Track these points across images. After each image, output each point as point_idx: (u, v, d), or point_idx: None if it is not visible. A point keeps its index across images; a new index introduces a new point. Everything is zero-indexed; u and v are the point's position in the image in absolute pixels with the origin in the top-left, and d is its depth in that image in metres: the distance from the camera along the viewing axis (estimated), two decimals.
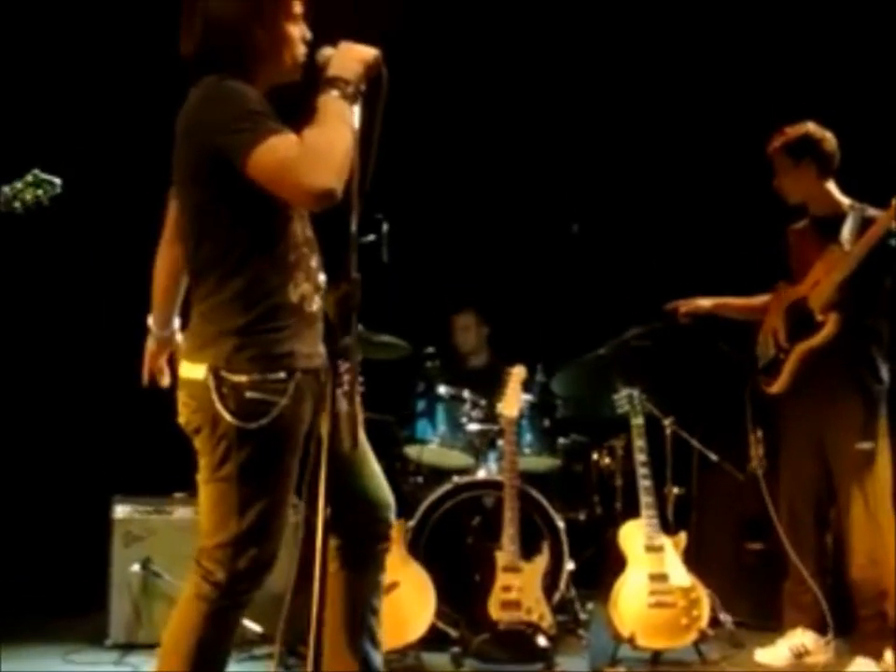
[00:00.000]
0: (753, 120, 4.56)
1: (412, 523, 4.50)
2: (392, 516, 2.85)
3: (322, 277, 2.64)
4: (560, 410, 5.14)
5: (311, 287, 2.60)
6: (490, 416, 4.80)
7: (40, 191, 3.44)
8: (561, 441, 5.14)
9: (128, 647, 4.39)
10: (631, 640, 4.14)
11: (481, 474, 4.78)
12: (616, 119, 6.04)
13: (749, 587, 4.90)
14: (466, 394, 4.99)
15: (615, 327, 4.93)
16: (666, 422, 4.87)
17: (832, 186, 4.21)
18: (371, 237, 4.75)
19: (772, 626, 4.44)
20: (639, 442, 4.42)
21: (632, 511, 4.43)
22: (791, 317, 4.23)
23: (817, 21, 5.58)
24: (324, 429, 2.36)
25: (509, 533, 4.16)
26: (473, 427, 4.93)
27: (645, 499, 4.31)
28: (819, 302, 4.07)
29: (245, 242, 2.52)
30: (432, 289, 6.08)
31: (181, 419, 2.66)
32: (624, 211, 6.12)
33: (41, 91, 5.53)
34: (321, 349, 2.61)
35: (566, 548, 4.59)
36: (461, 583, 4.39)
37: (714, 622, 4.45)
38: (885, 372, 4.11)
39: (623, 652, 4.21)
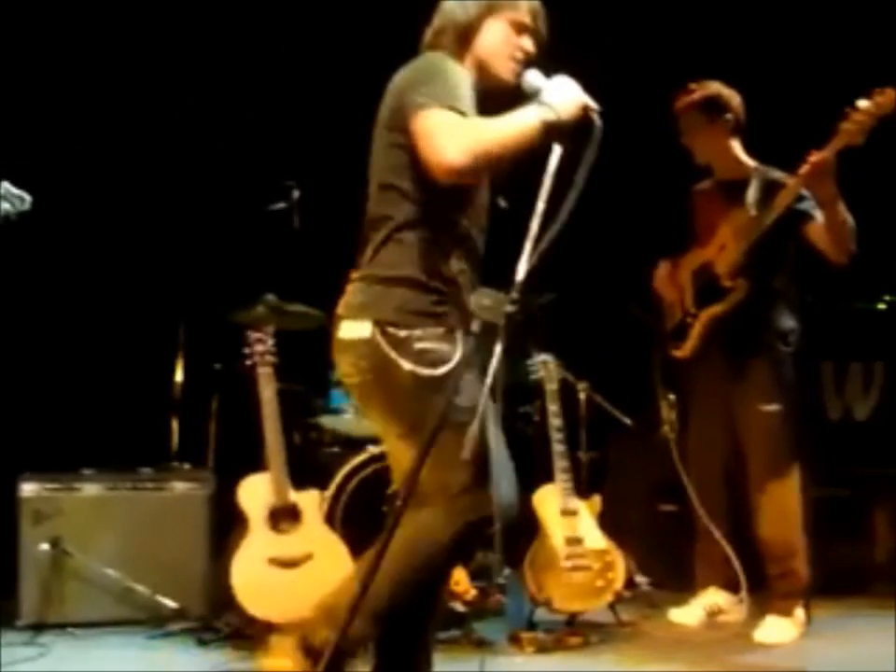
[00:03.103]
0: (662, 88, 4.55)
1: (328, 493, 4.47)
2: None
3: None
4: None
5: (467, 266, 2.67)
6: None
7: (7, 205, 3.34)
8: None
9: (39, 627, 4.29)
10: (547, 603, 4.17)
11: None
12: None
13: (664, 549, 4.96)
14: None
15: (527, 292, 4.92)
16: (580, 387, 4.88)
17: (738, 147, 4.24)
18: (282, 204, 4.70)
19: (687, 587, 4.50)
20: (553, 407, 4.42)
21: (547, 476, 4.45)
22: (698, 281, 4.26)
23: None
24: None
25: None
26: None
27: (559, 464, 4.33)
28: (725, 268, 4.11)
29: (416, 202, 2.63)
30: (346, 257, 6.02)
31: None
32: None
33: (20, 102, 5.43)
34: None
35: None
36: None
37: (630, 583, 4.51)
38: (792, 336, 4.17)
39: (540, 616, 4.24)
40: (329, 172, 5.53)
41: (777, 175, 4.13)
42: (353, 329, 2.65)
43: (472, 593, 4.18)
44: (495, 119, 2.55)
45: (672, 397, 4.66)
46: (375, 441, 4.80)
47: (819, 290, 4.79)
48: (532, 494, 4.38)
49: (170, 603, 4.30)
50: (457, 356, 2.58)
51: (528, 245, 2.44)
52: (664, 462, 4.67)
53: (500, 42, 2.74)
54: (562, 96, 2.59)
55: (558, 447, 4.35)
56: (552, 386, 4.50)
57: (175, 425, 5.13)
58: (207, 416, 5.03)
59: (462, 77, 2.62)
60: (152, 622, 4.31)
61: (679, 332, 4.29)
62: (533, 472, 4.99)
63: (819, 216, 4.01)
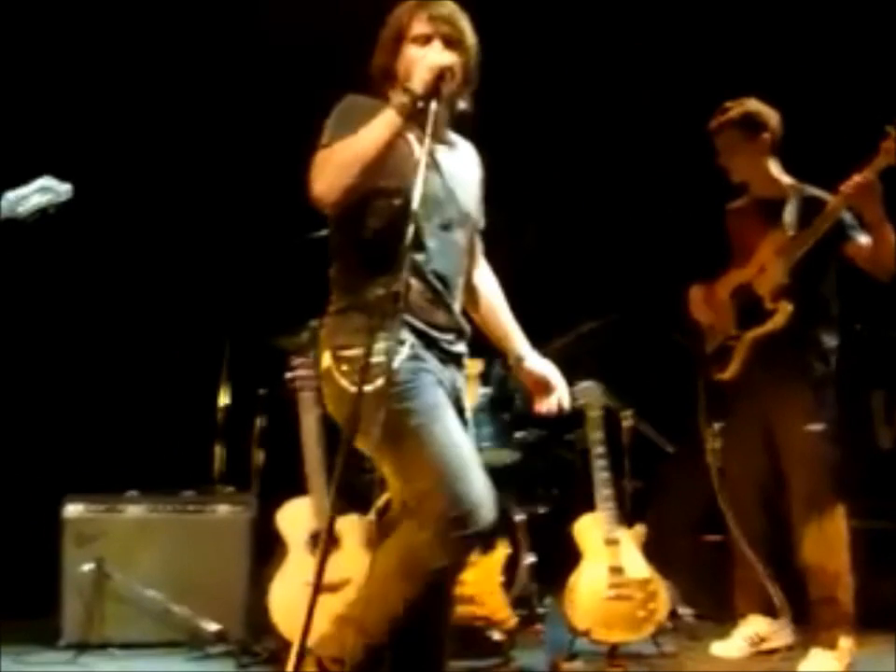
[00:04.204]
0: (696, 107, 4.51)
1: (368, 517, 4.45)
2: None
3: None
4: (518, 403, 5.10)
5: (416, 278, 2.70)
6: None
7: (45, 199, 3.38)
8: (519, 434, 5.10)
9: (81, 647, 4.33)
10: (588, 634, 4.12)
11: None
12: (563, 116, 6.01)
13: (708, 580, 4.88)
14: None
15: (573, 320, 4.91)
16: (624, 414, 4.84)
17: (775, 165, 4.19)
18: (325, 232, 4.71)
19: (732, 619, 4.42)
20: (596, 435, 4.38)
21: (591, 505, 4.40)
22: (738, 303, 4.20)
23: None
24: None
25: None
26: None
27: (602, 492, 4.29)
28: (767, 289, 4.06)
29: (343, 234, 2.77)
30: None
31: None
32: (578, 205, 6.10)
33: (55, 98, 5.56)
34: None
35: (524, 542, 4.56)
36: None
37: (673, 614, 4.44)
38: (833, 356, 4.11)
39: (581, 646, 4.19)
40: None
41: (814, 192, 4.09)
42: (321, 362, 2.76)
43: (512, 621, 4.15)
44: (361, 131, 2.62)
45: (717, 425, 4.60)
46: None
47: (868, 318, 4.72)
48: (574, 522, 4.34)
49: (210, 626, 4.31)
50: (400, 367, 2.61)
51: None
52: (708, 492, 4.62)
53: (409, 65, 2.74)
54: (420, 69, 2.64)
55: (601, 475, 4.31)
56: (595, 413, 4.46)
57: (218, 448, 5.15)
58: (251, 440, 5.04)
59: (349, 104, 2.74)
60: (192, 644, 4.33)
61: (721, 355, 4.22)
62: (576, 500, 4.97)
63: (859, 235, 3.96)
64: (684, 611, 4.58)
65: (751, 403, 4.18)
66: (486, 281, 3.07)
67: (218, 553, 4.51)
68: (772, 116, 4.16)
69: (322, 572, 2.44)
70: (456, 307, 2.82)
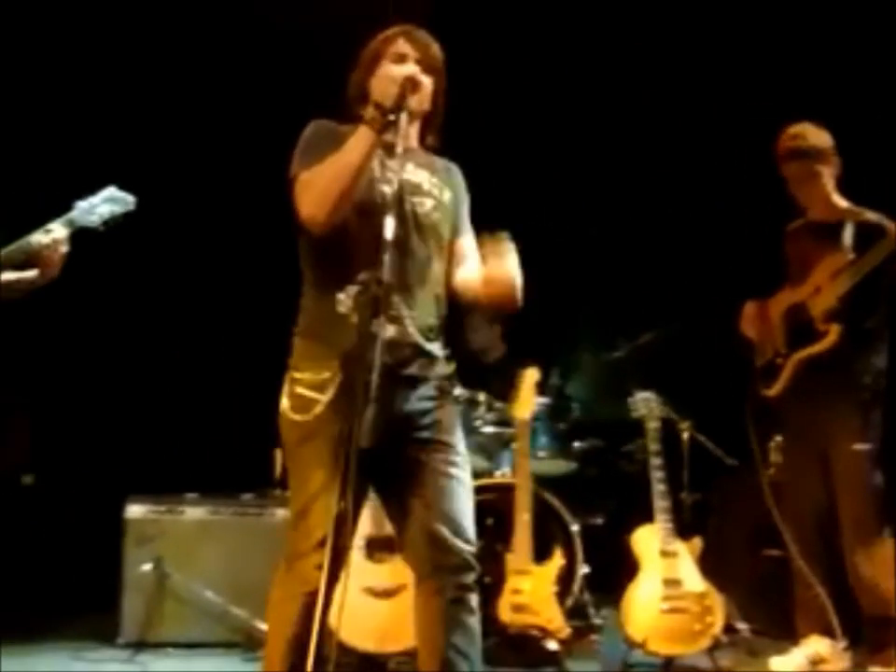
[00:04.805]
0: (764, 122, 4.50)
1: None
2: (471, 560, 2.72)
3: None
4: (576, 413, 5.10)
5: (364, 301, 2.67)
6: (505, 419, 4.77)
7: (116, 208, 3.46)
8: (577, 444, 5.10)
9: (139, 646, 4.39)
10: (643, 646, 4.09)
11: (495, 477, 4.74)
12: (632, 119, 6.00)
13: (767, 595, 4.82)
14: (481, 396, 4.95)
15: (632, 329, 4.89)
16: (683, 426, 4.81)
17: (833, 189, 4.18)
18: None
19: (790, 635, 4.36)
20: (654, 446, 4.36)
21: (648, 516, 4.38)
22: (790, 322, 4.19)
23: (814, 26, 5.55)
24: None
25: (519, 536, 4.13)
26: (488, 429, 4.90)
27: (660, 503, 4.26)
28: (820, 311, 4.04)
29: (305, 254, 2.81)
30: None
31: None
32: (642, 212, 6.08)
33: (120, 110, 5.66)
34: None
35: (579, 552, 4.55)
36: None
37: (729, 629, 4.40)
38: (882, 377, 4.08)
39: (636, 658, 4.17)
40: None
41: (872, 217, 4.07)
42: None
43: (567, 631, 4.14)
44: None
45: (779, 438, 4.56)
46: (474, 475, 4.75)
47: None
48: (631, 533, 4.33)
49: (266, 627, 4.32)
50: (326, 401, 2.68)
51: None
52: (768, 506, 4.57)
53: (379, 82, 2.76)
54: (384, 82, 2.69)
55: (659, 487, 4.28)
56: (653, 424, 4.44)
57: (278, 452, 5.18)
58: None
59: (315, 129, 2.79)
60: (248, 645, 4.35)
61: (768, 372, 4.21)
62: (633, 511, 4.95)
63: None
64: (741, 626, 4.53)
65: (803, 424, 4.15)
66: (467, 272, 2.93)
67: (276, 556, 4.43)
68: (832, 144, 4.14)
69: (333, 578, 2.43)
70: (411, 321, 2.74)
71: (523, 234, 6.58)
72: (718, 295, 4.56)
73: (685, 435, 4.83)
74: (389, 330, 2.63)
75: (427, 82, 2.76)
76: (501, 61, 5.93)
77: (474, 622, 2.71)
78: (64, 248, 3.32)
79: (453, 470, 2.75)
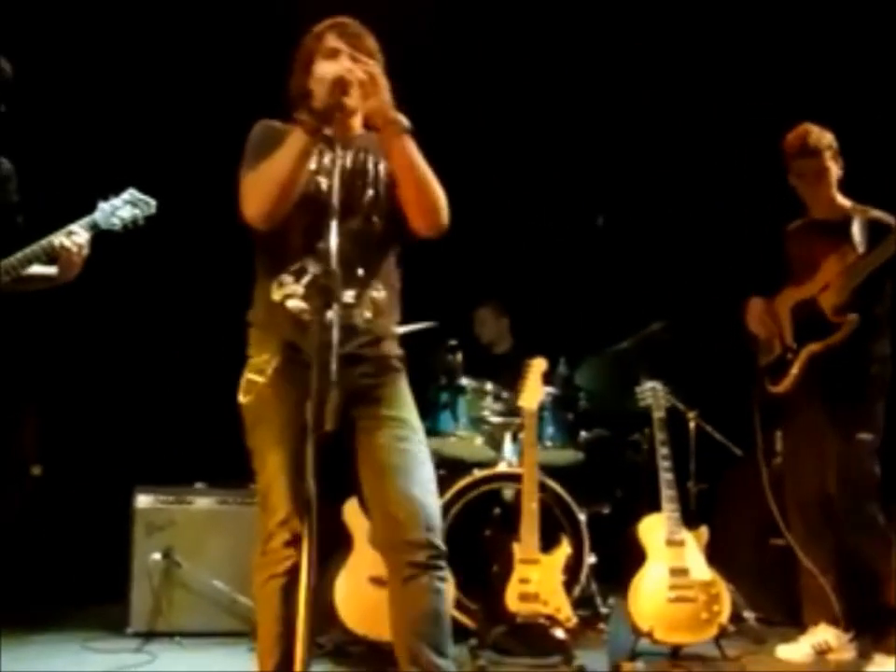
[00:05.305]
0: (772, 116, 4.53)
1: None
2: (423, 536, 2.72)
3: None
4: (583, 403, 5.11)
5: (302, 290, 2.79)
6: (512, 409, 4.77)
7: (137, 210, 3.49)
8: (584, 434, 5.11)
9: (148, 635, 4.42)
10: (650, 634, 4.11)
11: (501, 467, 4.76)
12: (639, 113, 6.01)
13: (773, 584, 4.85)
14: (489, 386, 4.96)
15: (639, 320, 4.90)
16: (690, 415, 4.83)
17: (837, 189, 4.24)
18: None
19: (797, 623, 4.38)
20: (661, 436, 4.38)
21: (655, 505, 4.39)
22: (798, 317, 4.22)
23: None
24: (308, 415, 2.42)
25: (527, 525, 4.14)
26: (495, 419, 4.91)
27: (666, 493, 4.27)
28: (831, 304, 4.09)
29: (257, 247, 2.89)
30: (456, 280, 6.07)
31: None
32: (649, 203, 6.09)
33: (141, 113, 5.68)
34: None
35: (586, 541, 4.56)
36: (479, 575, 4.38)
37: (736, 617, 4.42)
38: (888, 363, 4.13)
39: (643, 647, 4.18)
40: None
41: (876, 214, 4.15)
42: None
43: (574, 621, 4.15)
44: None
45: (778, 433, 4.58)
46: (481, 464, 4.82)
47: None
48: (638, 523, 4.34)
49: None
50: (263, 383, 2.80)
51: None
52: (775, 495, 4.58)
53: (320, 80, 2.78)
54: (318, 85, 2.73)
55: (666, 476, 4.29)
56: (659, 414, 4.45)
57: None
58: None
59: (260, 131, 2.85)
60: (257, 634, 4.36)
61: (777, 368, 4.24)
62: (639, 501, 4.97)
63: None
64: (748, 615, 4.55)
65: (807, 414, 4.19)
66: None
67: None
68: (836, 144, 4.21)
69: (312, 565, 2.43)
70: (354, 301, 2.79)
71: (533, 225, 6.68)
72: (724, 285, 4.57)
73: (692, 425, 4.85)
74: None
75: (360, 77, 2.71)
76: (511, 55, 5.95)
77: (430, 601, 2.70)
78: (86, 251, 3.35)
79: (402, 445, 2.79)
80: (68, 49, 5.46)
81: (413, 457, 2.79)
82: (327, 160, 2.78)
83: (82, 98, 5.59)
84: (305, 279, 2.78)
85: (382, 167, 2.89)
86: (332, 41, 2.85)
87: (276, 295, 2.80)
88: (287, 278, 2.80)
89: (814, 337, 4.14)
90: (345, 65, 2.74)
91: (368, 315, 2.81)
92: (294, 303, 2.79)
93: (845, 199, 4.26)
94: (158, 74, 5.70)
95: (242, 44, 5.62)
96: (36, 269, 3.37)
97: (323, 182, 2.76)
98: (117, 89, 5.66)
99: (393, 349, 2.90)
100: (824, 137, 4.20)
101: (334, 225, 2.49)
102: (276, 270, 2.81)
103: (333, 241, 2.45)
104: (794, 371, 4.18)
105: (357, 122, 2.90)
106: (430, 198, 2.75)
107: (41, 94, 5.04)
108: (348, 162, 2.84)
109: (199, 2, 5.64)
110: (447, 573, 2.76)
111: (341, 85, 2.67)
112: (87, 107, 5.60)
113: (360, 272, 2.80)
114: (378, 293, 2.84)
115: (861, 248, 4.08)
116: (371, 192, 2.85)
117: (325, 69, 2.78)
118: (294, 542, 2.69)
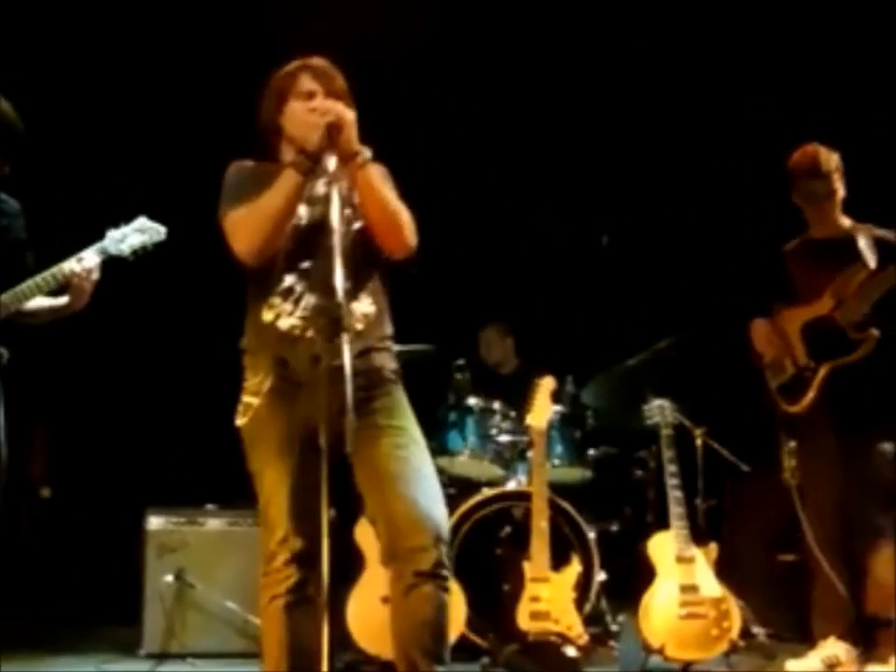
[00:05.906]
0: (777, 133, 4.57)
1: None
2: (427, 542, 2.72)
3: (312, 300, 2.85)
4: (591, 421, 5.13)
5: (291, 308, 2.84)
6: (520, 427, 4.80)
7: (146, 237, 3.52)
8: (592, 452, 5.12)
9: (161, 656, 4.44)
10: (661, 651, 4.13)
11: (510, 485, 4.78)
12: (644, 132, 6.05)
13: (782, 599, 4.86)
14: (496, 405, 4.99)
15: (645, 338, 4.93)
16: (697, 432, 4.85)
17: (838, 208, 4.28)
18: None
19: (806, 639, 4.37)
20: (669, 453, 4.40)
21: (664, 523, 4.41)
22: (812, 336, 4.22)
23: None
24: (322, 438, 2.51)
25: (537, 543, 4.16)
26: (503, 438, 4.93)
27: (675, 510, 4.29)
28: (850, 321, 4.09)
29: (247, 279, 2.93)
30: (462, 301, 6.10)
31: None
32: (654, 221, 6.12)
33: (151, 140, 5.75)
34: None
35: (596, 559, 4.59)
36: (491, 594, 4.40)
37: (746, 633, 4.43)
38: None
39: (654, 664, 4.20)
40: (447, 217, 5.64)
41: (881, 233, 4.19)
42: None
43: (585, 638, 4.17)
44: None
45: (792, 444, 4.58)
46: (490, 483, 4.84)
47: None
48: (647, 540, 4.36)
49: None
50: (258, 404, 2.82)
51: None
52: (782, 511, 4.60)
53: (299, 120, 2.88)
54: (305, 129, 2.81)
55: (674, 493, 4.31)
56: (667, 431, 4.47)
57: None
58: None
59: (237, 171, 2.93)
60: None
61: (794, 387, 4.24)
62: (648, 518, 4.99)
63: None
64: (757, 630, 4.56)
65: (828, 430, 4.18)
66: None
67: None
68: (840, 165, 4.25)
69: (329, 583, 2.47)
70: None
71: (539, 245, 6.69)
72: (730, 303, 4.59)
73: (699, 442, 4.85)
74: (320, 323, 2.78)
75: (350, 118, 2.80)
76: (518, 75, 6.00)
77: (431, 611, 2.71)
78: (95, 276, 3.39)
79: (402, 452, 2.80)
80: (80, 82, 5.51)
81: (413, 465, 2.80)
82: (315, 193, 2.87)
83: (84, 132, 5.63)
84: (293, 297, 2.83)
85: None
86: (308, 83, 2.93)
87: (268, 316, 2.85)
88: (276, 299, 2.85)
89: (833, 354, 4.13)
90: (338, 109, 2.80)
91: (358, 327, 2.83)
92: (285, 321, 2.83)
93: (846, 218, 4.29)
94: (161, 107, 5.75)
95: (248, 75, 5.67)
96: (42, 301, 3.40)
97: (302, 209, 2.85)
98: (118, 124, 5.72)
99: (386, 362, 2.91)
100: (832, 159, 4.22)
101: (339, 263, 2.60)
102: (265, 294, 2.87)
103: (339, 278, 2.57)
104: (813, 389, 4.17)
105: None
106: (393, 220, 2.84)
107: (50, 126, 5.10)
108: (342, 192, 2.88)
109: (200, 30, 5.69)
110: (450, 583, 2.77)
111: (337, 128, 2.76)
112: (91, 142, 5.65)
113: (347, 285, 2.79)
114: (365, 307, 2.88)
115: (871, 264, 4.10)
116: (347, 211, 2.90)
117: (306, 112, 2.84)
118: (294, 560, 2.73)
